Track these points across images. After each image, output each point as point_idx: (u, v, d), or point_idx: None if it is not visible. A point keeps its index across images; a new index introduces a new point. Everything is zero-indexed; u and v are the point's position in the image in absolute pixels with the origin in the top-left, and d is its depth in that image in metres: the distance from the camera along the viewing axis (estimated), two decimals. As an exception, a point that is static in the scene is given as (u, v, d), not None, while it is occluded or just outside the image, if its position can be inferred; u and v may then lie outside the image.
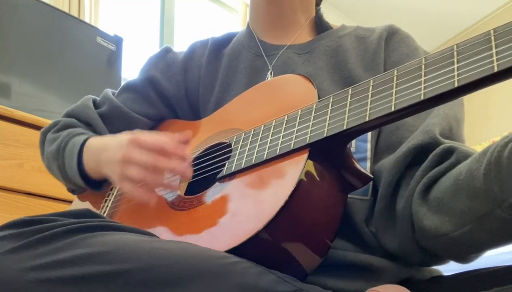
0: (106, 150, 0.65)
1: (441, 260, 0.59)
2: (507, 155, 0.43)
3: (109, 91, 0.83)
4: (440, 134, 0.58)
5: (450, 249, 0.54)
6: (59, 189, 1.03)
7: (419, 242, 0.56)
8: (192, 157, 0.67)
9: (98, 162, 0.66)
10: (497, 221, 0.46)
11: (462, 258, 0.56)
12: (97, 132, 0.77)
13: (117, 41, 1.67)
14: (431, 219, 0.53)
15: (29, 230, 0.41)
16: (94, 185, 0.73)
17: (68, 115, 0.81)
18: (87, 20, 2.30)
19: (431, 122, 0.59)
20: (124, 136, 0.62)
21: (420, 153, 0.57)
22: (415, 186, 0.56)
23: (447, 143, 0.56)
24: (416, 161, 0.58)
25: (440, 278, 0.60)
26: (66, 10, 2.21)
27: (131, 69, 2.33)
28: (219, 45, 0.83)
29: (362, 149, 0.64)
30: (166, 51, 0.84)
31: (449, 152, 0.55)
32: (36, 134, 1.29)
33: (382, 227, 0.60)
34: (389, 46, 0.72)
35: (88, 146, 0.69)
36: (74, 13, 2.26)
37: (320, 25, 0.79)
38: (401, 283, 0.57)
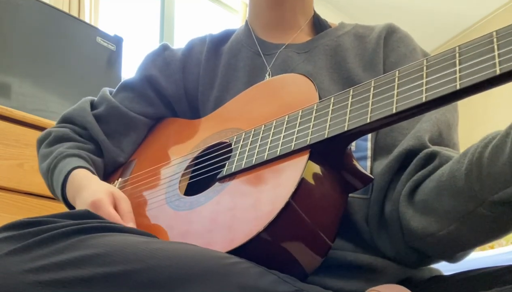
0: (79, 193, 0.64)
1: (433, 260, 0.60)
2: (487, 155, 0.45)
3: (106, 90, 0.82)
4: (429, 140, 0.60)
5: (438, 248, 0.55)
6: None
7: (409, 243, 0.57)
8: (192, 156, 0.67)
9: (73, 199, 0.66)
10: (480, 219, 0.48)
11: (450, 256, 0.57)
12: (92, 136, 0.77)
13: (117, 41, 1.67)
14: (418, 220, 0.54)
15: (28, 231, 0.40)
16: None
17: (64, 119, 0.80)
18: (87, 20, 2.30)
19: (422, 127, 0.61)
20: (93, 193, 0.61)
21: (409, 157, 0.59)
22: (401, 189, 0.58)
23: (432, 148, 0.58)
24: (404, 165, 0.59)
25: (440, 278, 0.60)
26: (66, 10, 2.20)
27: (131, 69, 2.33)
28: (218, 42, 0.82)
29: (362, 147, 0.64)
30: (164, 49, 0.84)
31: (432, 155, 0.57)
32: (36, 134, 1.28)
33: (376, 230, 0.60)
34: (388, 45, 0.72)
35: (70, 180, 0.68)
36: (74, 13, 2.26)
37: (318, 25, 0.79)
38: (401, 283, 0.57)
